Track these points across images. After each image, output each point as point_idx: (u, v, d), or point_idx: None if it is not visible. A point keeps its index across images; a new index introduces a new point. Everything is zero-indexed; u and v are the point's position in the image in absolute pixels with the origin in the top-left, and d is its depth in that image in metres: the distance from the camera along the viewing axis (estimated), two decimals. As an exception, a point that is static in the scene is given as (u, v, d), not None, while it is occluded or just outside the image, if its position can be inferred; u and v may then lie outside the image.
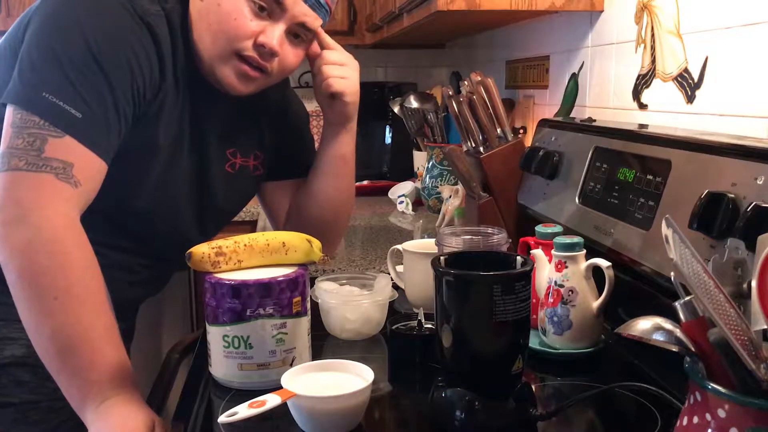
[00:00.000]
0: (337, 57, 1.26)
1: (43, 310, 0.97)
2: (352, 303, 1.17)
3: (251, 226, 2.35)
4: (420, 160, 2.55)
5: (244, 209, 2.37)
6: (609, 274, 1.05)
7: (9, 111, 1.02)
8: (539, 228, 1.17)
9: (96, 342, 0.98)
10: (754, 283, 0.62)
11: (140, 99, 1.08)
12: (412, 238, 1.66)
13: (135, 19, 1.07)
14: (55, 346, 0.97)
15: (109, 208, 1.12)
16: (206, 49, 1.13)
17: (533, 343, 1.04)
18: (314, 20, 1.16)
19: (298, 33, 1.16)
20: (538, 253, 1.13)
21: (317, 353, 1.09)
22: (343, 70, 1.26)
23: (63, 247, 0.98)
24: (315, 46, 1.24)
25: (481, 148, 1.66)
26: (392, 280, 1.30)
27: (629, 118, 1.44)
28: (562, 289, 1.07)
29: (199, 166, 1.23)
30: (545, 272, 1.11)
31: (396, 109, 2.61)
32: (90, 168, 1.03)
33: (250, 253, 1.03)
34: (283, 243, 1.05)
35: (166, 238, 1.23)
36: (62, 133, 1.00)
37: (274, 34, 1.12)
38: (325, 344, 1.17)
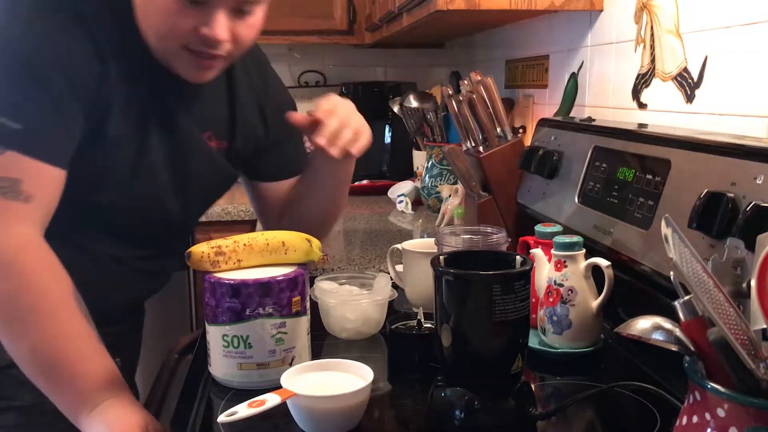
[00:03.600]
0: (336, 122, 1.12)
1: (16, 333, 0.96)
2: (351, 302, 1.17)
3: (251, 226, 2.35)
4: (419, 159, 2.55)
5: (243, 209, 2.38)
6: (608, 273, 1.05)
7: None
8: (539, 227, 1.17)
9: (74, 353, 0.96)
10: (753, 283, 0.61)
11: (85, 96, 1.03)
12: (412, 238, 1.66)
13: (68, 19, 1.02)
14: (36, 366, 0.97)
15: (81, 207, 1.10)
16: (154, 45, 1.07)
17: (533, 342, 1.04)
18: None
19: (243, 8, 1.05)
20: (537, 252, 1.13)
21: (317, 353, 1.09)
22: (349, 129, 1.13)
23: (21, 268, 0.96)
24: (305, 119, 1.14)
25: (481, 148, 1.66)
26: (392, 279, 1.30)
27: (629, 117, 1.44)
28: (561, 289, 1.07)
29: (175, 151, 1.17)
30: (545, 272, 1.11)
31: (395, 109, 2.61)
32: (41, 178, 1.00)
33: (249, 253, 1.03)
34: (283, 242, 1.05)
35: (152, 226, 1.21)
36: (3, 149, 0.97)
37: (216, 22, 1.02)
38: (324, 344, 1.17)
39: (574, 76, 1.71)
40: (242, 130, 1.27)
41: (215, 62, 1.08)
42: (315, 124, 1.13)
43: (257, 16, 1.08)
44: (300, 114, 1.17)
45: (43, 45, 1.01)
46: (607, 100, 1.55)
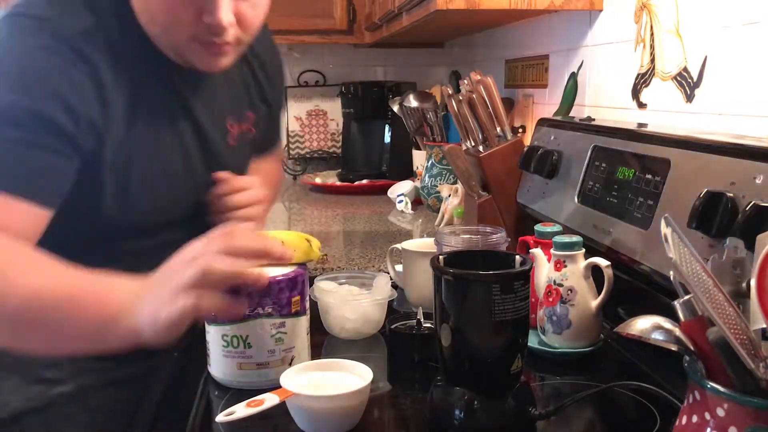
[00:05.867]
0: (246, 197, 1.16)
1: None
2: (351, 302, 1.17)
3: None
4: (419, 159, 2.54)
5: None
6: (608, 273, 1.05)
7: None
8: (538, 227, 1.17)
9: (63, 285, 0.85)
10: (753, 282, 0.61)
11: (81, 129, 0.96)
12: (412, 238, 1.66)
13: (55, 46, 0.95)
14: (27, 317, 0.85)
15: (114, 229, 1.05)
16: (162, 42, 1.03)
17: (532, 342, 1.04)
18: None
19: None
20: (537, 252, 1.13)
21: (316, 353, 1.09)
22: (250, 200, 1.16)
23: None
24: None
25: (481, 147, 1.66)
26: (391, 279, 1.30)
27: (628, 117, 1.44)
28: (561, 288, 1.07)
29: (203, 149, 1.15)
30: (544, 271, 1.11)
31: (395, 108, 2.61)
32: (13, 214, 0.91)
33: (249, 253, 1.03)
34: (282, 242, 1.05)
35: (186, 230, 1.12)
36: None
37: (218, 8, 0.97)
38: (324, 343, 1.17)
39: (573, 76, 1.71)
40: (257, 109, 1.25)
41: (227, 48, 1.03)
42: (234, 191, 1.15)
43: None
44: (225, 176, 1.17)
45: (23, 71, 0.94)
46: (606, 100, 1.55)
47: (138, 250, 1.08)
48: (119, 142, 1.02)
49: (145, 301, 0.82)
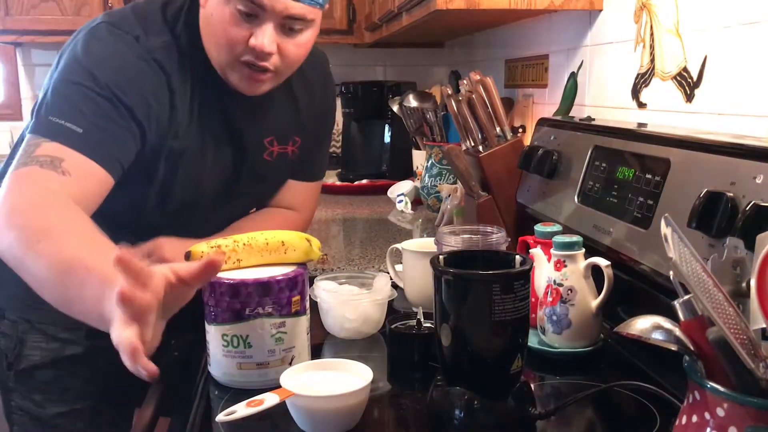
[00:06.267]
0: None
1: (32, 256, 0.95)
2: (351, 302, 1.17)
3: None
4: (419, 159, 2.54)
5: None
6: (608, 273, 1.05)
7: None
8: (538, 227, 1.17)
9: (87, 253, 0.93)
10: (753, 282, 0.61)
11: (152, 123, 1.17)
12: (411, 237, 1.66)
13: (142, 57, 1.17)
14: (54, 278, 0.94)
15: (144, 218, 1.23)
16: (214, 58, 1.20)
17: (532, 342, 1.04)
18: (302, 9, 1.15)
19: (292, 26, 1.17)
20: (537, 252, 1.13)
21: (316, 352, 1.09)
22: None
23: (42, 205, 1.00)
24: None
25: (480, 147, 1.66)
26: (391, 279, 1.30)
27: (628, 117, 1.44)
28: (561, 288, 1.07)
29: (237, 159, 1.31)
30: (544, 271, 1.11)
31: (395, 108, 2.61)
32: (83, 168, 1.07)
33: (249, 252, 1.03)
34: (282, 242, 1.05)
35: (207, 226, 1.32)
36: (53, 140, 1.07)
37: (264, 34, 1.14)
38: (324, 343, 1.17)
39: (573, 76, 1.71)
40: (300, 132, 1.39)
41: (265, 76, 1.19)
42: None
43: (306, 37, 1.20)
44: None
45: (119, 68, 1.15)
46: (606, 100, 1.55)
47: (160, 227, 1.26)
48: (177, 140, 1.21)
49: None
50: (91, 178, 1.09)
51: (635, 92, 1.42)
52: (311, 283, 1.16)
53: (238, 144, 1.31)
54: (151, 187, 1.24)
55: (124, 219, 1.21)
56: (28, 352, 1.35)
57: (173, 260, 1.14)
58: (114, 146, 1.13)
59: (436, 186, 2.21)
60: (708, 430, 0.62)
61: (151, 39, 1.19)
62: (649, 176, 1.08)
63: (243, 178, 1.34)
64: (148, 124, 1.17)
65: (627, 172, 1.15)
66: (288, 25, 1.16)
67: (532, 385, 0.92)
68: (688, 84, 1.23)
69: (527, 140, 1.73)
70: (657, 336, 0.65)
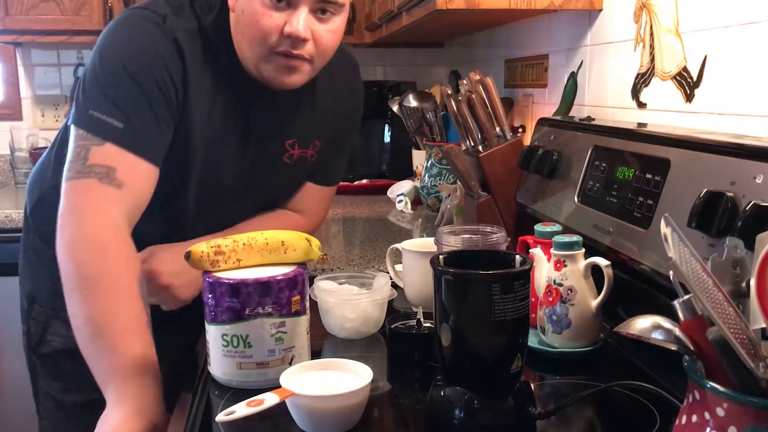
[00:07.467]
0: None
1: (78, 299, 1.04)
2: (351, 302, 1.17)
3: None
4: (419, 159, 2.54)
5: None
6: (608, 272, 1.05)
7: (71, 131, 1.17)
8: (538, 227, 1.17)
9: (120, 329, 1.01)
10: (752, 282, 0.61)
11: (172, 106, 1.19)
12: (411, 237, 1.66)
13: (164, 36, 1.19)
14: (86, 332, 1.02)
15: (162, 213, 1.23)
16: (247, 56, 1.20)
17: (532, 341, 1.04)
18: None
19: (325, 8, 1.17)
20: (537, 251, 1.13)
21: (316, 352, 1.09)
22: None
23: (100, 243, 1.06)
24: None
25: (480, 147, 1.66)
26: (391, 279, 1.30)
27: (628, 116, 1.44)
28: (561, 288, 1.07)
29: (257, 160, 1.32)
30: (544, 271, 1.11)
31: (395, 108, 2.61)
32: (133, 170, 1.14)
33: (249, 252, 1.03)
34: (282, 242, 1.05)
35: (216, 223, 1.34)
36: (102, 141, 1.13)
37: (298, 20, 1.14)
38: (324, 343, 1.17)
39: (573, 76, 1.71)
40: (321, 137, 1.40)
41: (300, 63, 1.19)
42: None
43: (336, 23, 1.20)
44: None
45: (146, 59, 1.17)
46: (606, 100, 1.55)
47: (180, 216, 1.31)
48: (193, 129, 1.22)
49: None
50: (142, 178, 1.15)
51: (635, 92, 1.42)
52: (311, 283, 1.16)
53: (260, 145, 1.31)
54: (169, 182, 1.24)
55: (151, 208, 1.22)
56: (50, 337, 1.40)
57: (158, 271, 1.20)
58: (152, 136, 1.17)
59: (436, 186, 2.21)
60: (708, 429, 0.62)
61: (177, 21, 1.20)
62: (649, 176, 1.08)
63: (260, 178, 1.34)
64: (171, 102, 1.19)
65: (627, 172, 1.15)
66: (321, 7, 1.16)
67: (532, 385, 0.92)
68: (688, 84, 1.23)
69: (527, 140, 1.73)
70: (657, 336, 0.65)
